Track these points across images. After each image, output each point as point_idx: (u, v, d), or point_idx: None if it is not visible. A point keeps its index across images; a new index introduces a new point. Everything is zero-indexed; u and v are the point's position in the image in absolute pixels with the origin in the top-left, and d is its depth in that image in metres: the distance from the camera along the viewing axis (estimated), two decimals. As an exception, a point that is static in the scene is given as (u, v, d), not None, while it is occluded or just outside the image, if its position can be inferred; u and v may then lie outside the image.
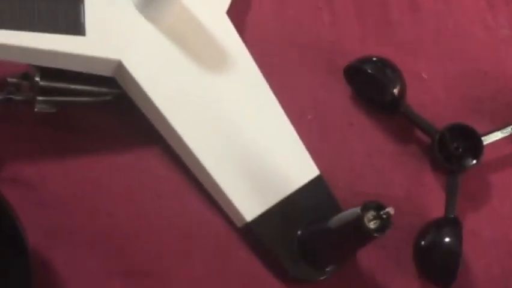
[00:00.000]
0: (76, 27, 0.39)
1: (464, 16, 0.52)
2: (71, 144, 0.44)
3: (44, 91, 0.43)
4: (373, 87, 0.46)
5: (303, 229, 0.42)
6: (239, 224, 0.42)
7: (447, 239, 0.43)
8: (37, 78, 0.41)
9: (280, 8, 0.50)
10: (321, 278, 0.42)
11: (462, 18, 0.52)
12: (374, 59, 0.46)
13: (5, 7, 0.37)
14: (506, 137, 0.46)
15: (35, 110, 0.43)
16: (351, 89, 0.48)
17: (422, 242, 0.44)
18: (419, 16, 0.52)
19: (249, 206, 0.42)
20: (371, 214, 0.37)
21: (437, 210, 0.45)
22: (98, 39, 0.39)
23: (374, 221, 0.36)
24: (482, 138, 0.45)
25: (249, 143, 0.43)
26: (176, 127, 0.41)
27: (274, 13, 0.50)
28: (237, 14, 0.47)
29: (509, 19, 0.52)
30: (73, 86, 0.43)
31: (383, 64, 0.45)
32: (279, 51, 0.49)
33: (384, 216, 0.36)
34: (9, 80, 0.42)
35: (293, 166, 0.44)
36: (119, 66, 0.40)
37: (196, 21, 0.43)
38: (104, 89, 0.44)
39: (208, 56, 0.43)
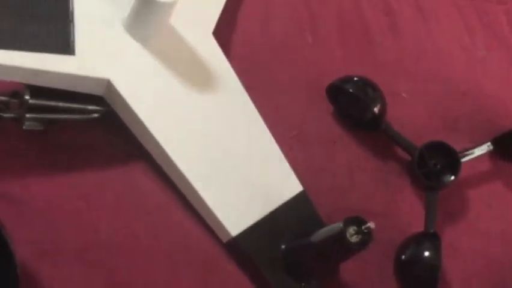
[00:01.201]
0: (65, 46, 0.39)
1: (442, 38, 0.54)
2: (59, 161, 0.45)
3: (33, 109, 0.43)
4: (354, 105, 0.47)
5: (287, 243, 0.43)
6: (224, 239, 0.43)
7: (427, 253, 0.44)
8: (27, 97, 0.42)
9: (265, 28, 0.52)
10: (305, 291, 0.44)
11: (441, 40, 0.54)
12: (355, 78, 0.47)
13: (-4, 27, 0.38)
14: (483, 154, 0.48)
15: (24, 127, 0.44)
16: (334, 107, 0.49)
17: (403, 256, 0.45)
18: (399, 38, 0.53)
19: (234, 221, 0.42)
20: (352, 229, 0.38)
21: (417, 225, 0.46)
22: (88, 59, 0.40)
23: (356, 236, 0.38)
24: (460, 155, 0.47)
25: (234, 160, 0.44)
26: (163, 144, 0.42)
27: (260, 33, 0.51)
28: (224, 33, 0.48)
29: (486, 41, 0.54)
30: (61, 104, 0.43)
31: (364, 83, 0.47)
32: (264, 69, 0.50)
33: (365, 230, 0.38)
34: (-1, 98, 0.43)
35: (277, 182, 0.45)
36: (108, 85, 0.41)
37: (182, 41, 0.44)
38: (91, 107, 0.45)
39: (194, 75, 0.44)
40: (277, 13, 0.52)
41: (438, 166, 0.46)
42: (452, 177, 0.46)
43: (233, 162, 0.44)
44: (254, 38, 0.51)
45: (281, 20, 0.52)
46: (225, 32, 0.49)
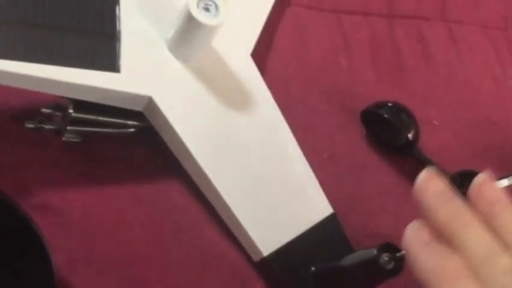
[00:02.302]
0: (112, 64, 0.41)
1: (474, 67, 0.55)
2: (96, 173, 0.46)
3: (74, 121, 0.45)
4: (388, 130, 0.48)
5: (316, 265, 0.44)
6: (256, 258, 0.44)
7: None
8: (70, 111, 0.43)
9: (301, 51, 0.53)
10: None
11: (472, 69, 0.55)
12: (390, 104, 0.48)
13: (44, 42, 0.39)
14: (512, 184, 0.48)
15: (63, 139, 0.45)
16: (366, 131, 0.50)
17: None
18: (431, 65, 0.54)
19: (266, 240, 0.43)
20: (386, 255, 0.38)
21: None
22: (132, 77, 0.41)
23: (389, 262, 0.38)
24: (490, 185, 0.47)
25: (268, 179, 0.45)
26: (200, 161, 0.43)
27: (295, 55, 0.52)
28: (261, 55, 0.49)
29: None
30: (101, 118, 0.45)
31: (398, 109, 0.48)
32: (298, 91, 0.51)
33: (399, 257, 0.38)
34: (43, 110, 0.44)
35: (309, 203, 0.46)
36: (150, 101, 0.42)
37: (222, 62, 0.45)
38: (130, 122, 0.46)
39: (232, 95, 0.45)
40: (312, 36, 0.53)
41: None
42: (482, 207, 0.46)
43: (267, 181, 0.45)
44: (289, 60, 0.52)
45: (316, 43, 0.53)
46: (262, 53, 0.50)
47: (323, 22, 0.54)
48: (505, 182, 0.49)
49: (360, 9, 0.55)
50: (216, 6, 0.41)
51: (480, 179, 0.36)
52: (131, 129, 0.46)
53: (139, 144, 0.47)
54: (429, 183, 0.36)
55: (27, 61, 0.38)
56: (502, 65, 0.55)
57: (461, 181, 0.48)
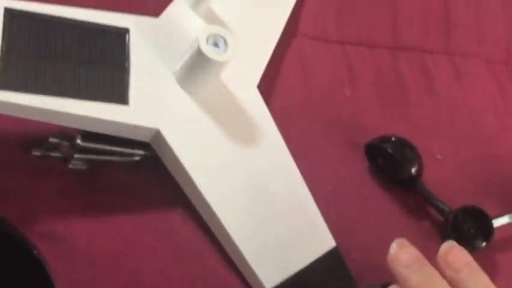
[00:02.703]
0: (121, 97, 0.41)
1: (477, 100, 0.55)
2: (100, 201, 0.46)
3: (81, 150, 0.45)
4: (391, 165, 0.49)
5: (318, 299, 0.44)
6: (258, 291, 0.44)
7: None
8: (78, 141, 0.43)
9: (306, 82, 0.53)
10: None
11: (475, 102, 0.55)
12: (393, 139, 0.48)
13: (55, 75, 0.40)
14: (515, 220, 0.49)
15: (69, 166, 0.46)
16: (370, 164, 0.50)
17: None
18: (435, 98, 0.55)
19: (269, 274, 0.43)
20: (389, 293, 0.39)
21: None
22: (140, 109, 0.42)
23: (392, 299, 0.39)
24: (493, 221, 0.47)
25: (271, 212, 0.45)
26: (204, 193, 0.43)
27: (301, 86, 0.53)
28: (267, 86, 0.50)
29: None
30: (108, 147, 0.45)
31: (402, 144, 0.48)
32: (303, 123, 0.51)
33: (401, 296, 0.38)
34: (51, 139, 0.44)
35: (311, 237, 0.46)
36: (157, 133, 0.43)
37: (229, 94, 0.46)
38: (137, 151, 0.46)
39: (238, 127, 0.46)
40: (317, 67, 0.54)
41: (472, 231, 0.47)
42: (484, 243, 0.47)
43: (270, 214, 0.45)
44: (295, 91, 0.52)
45: (321, 74, 0.54)
46: (268, 84, 0.50)
47: (328, 53, 0.54)
48: (505, 219, 0.50)
49: (366, 40, 0.55)
50: (225, 42, 0.41)
51: (446, 246, 0.40)
52: (137, 158, 0.47)
53: (143, 172, 0.47)
54: (401, 252, 0.40)
55: (38, 94, 0.38)
56: (504, 99, 0.56)
57: (464, 217, 0.48)
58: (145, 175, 0.47)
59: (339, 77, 0.54)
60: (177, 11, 0.46)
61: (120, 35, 0.43)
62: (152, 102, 0.42)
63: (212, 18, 0.47)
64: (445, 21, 0.59)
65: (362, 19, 0.57)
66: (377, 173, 0.50)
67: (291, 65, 0.53)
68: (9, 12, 0.39)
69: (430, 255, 0.48)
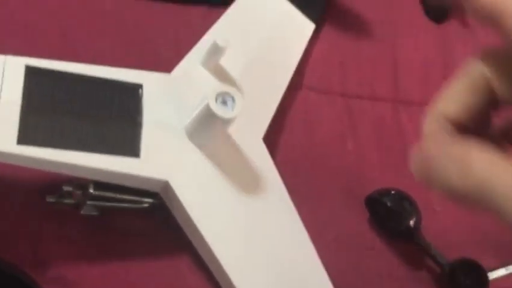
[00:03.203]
0: (132, 150, 0.43)
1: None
2: (110, 246, 0.48)
3: (93, 197, 0.47)
4: (391, 217, 0.51)
5: None
6: None
7: None
8: (91, 190, 0.45)
9: (309, 134, 0.55)
10: None
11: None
12: (393, 192, 0.50)
13: (70, 129, 0.42)
14: (509, 274, 0.50)
15: (81, 212, 0.48)
16: (370, 215, 0.52)
17: None
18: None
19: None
20: None
21: None
22: (150, 161, 0.44)
23: None
24: (489, 274, 0.49)
25: (273, 261, 0.47)
26: (209, 243, 0.45)
27: (304, 138, 0.55)
28: (271, 137, 0.52)
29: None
30: (119, 195, 0.47)
31: (401, 197, 0.50)
32: (306, 173, 0.53)
33: None
34: (65, 188, 0.46)
35: (312, 285, 0.47)
36: (166, 185, 0.45)
37: (235, 147, 0.48)
38: (146, 199, 0.48)
39: (244, 178, 0.48)
40: (321, 119, 0.56)
41: (468, 282, 0.49)
42: (481, 296, 0.48)
43: (273, 263, 0.47)
44: (298, 143, 0.54)
45: (324, 126, 0.56)
46: (273, 136, 0.52)
47: (331, 106, 0.56)
48: (501, 271, 0.51)
49: (368, 94, 0.58)
50: (233, 100, 0.43)
51: None
52: (145, 205, 0.49)
53: (152, 219, 0.49)
54: None
55: (55, 148, 0.40)
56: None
57: (461, 269, 0.50)
58: (154, 221, 0.49)
59: (342, 129, 0.56)
60: (188, 67, 0.49)
61: (134, 90, 0.45)
62: (162, 155, 0.44)
63: (221, 73, 0.50)
64: (445, 76, 0.61)
65: (364, 72, 0.59)
66: (377, 224, 0.52)
67: (296, 116, 0.56)
68: (29, 70, 0.42)
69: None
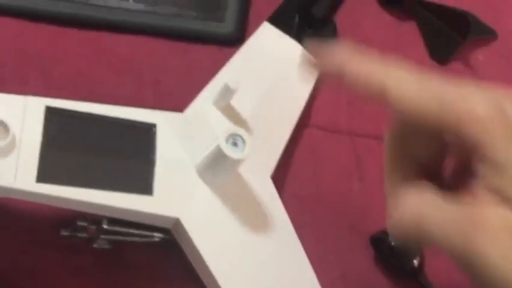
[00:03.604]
0: (145, 188, 0.45)
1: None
2: (121, 279, 0.49)
3: (106, 232, 0.49)
4: (395, 256, 0.51)
5: None
6: None
7: None
8: (105, 226, 0.47)
9: (316, 172, 0.56)
10: None
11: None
12: (398, 231, 0.51)
13: (86, 168, 0.44)
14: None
15: (94, 245, 0.49)
16: (375, 254, 0.53)
17: None
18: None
19: None
20: None
21: None
22: (163, 199, 0.45)
23: None
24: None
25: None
26: (219, 279, 0.46)
27: (311, 176, 0.56)
28: (279, 175, 0.53)
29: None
30: (131, 230, 0.49)
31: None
32: (312, 211, 0.54)
33: None
34: (79, 223, 0.48)
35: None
36: (177, 222, 0.46)
37: (245, 185, 0.49)
38: (156, 234, 0.50)
39: (252, 215, 0.49)
40: (327, 157, 0.57)
41: (470, 323, 0.50)
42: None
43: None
44: (306, 181, 0.56)
45: (330, 164, 0.57)
46: (280, 173, 0.54)
47: (338, 144, 0.58)
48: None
49: (374, 133, 0.59)
50: (243, 141, 0.45)
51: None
52: (156, 239, 0.50)
53: (162, 253, 0.50)
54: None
55: (72, 186, 0.42)
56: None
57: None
58: (163, 255, 0.50)
59: (348, 168, 0.57)
60: (200, 107, 0.51)
61: (148, 129, 0.47)
62: (174, 193, 0.46)
63: (231, 112, 0.52)
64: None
65: (370, 112, 0.60)
66: (382, 262, 0.53)
67: (303, 154, 0.57)
68: (49, 110, 0.44)
69: None
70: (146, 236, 0.50)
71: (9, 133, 0.41)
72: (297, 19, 0.60)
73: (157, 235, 0.50)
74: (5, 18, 0.58)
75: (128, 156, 0.45)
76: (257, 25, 0.60)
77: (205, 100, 0.52)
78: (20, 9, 0.58)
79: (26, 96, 0.44)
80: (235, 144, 0.45)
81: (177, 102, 0.52)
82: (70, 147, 0.44)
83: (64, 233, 0.49)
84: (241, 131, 0.45)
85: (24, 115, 0.43)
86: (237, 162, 0.45)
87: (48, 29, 0.58)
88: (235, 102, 0.52)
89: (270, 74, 0.57)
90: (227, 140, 0.44)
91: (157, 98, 0.56)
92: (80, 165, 0.43)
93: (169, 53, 0.59)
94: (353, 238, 0.54)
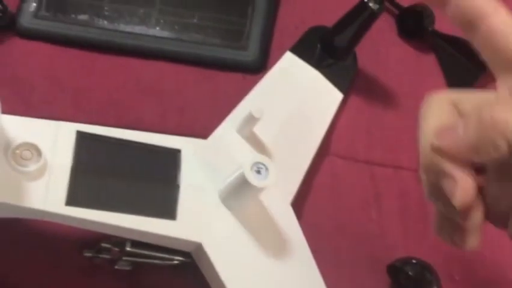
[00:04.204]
0: (169, 212, 0.46)
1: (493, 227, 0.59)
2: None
3: (129, 254, 0.50)
4: (412, 286, 0.52)
5: None
6: None
7: None
8: (128, 248, 0.48)
9: (335, 200, 0.58)
10: None
11: (492, 229, 0.58)
12: (414, 261, 0.52)
13: (114, 192, 0.45)
14: None
15: (116, 267, 0.50)
16: (392, 282, 0.54)
17: None
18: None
19: None
20: None
21: None
22: (186, 224, 0.46)
23: None
24: None
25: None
26: (238, 303, 0.47)
27: (330, 205, 0.57)
28: (299, 202, 0.54)
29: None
30: (153, 253, 0.50)
31: (422, 267, 0.52)
32: (331, 238, 0.55)
33: None
34: (103, 245, 0.49)
35: None
36: (199, 246, 0.47)
37: (266, 212, 0.50)
38: (178, 257, 0.51)
39: (272, 241, 0.50)
40: (346, 186, 0.58)
41: None
42: None
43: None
44: (325, 209, 0.57)
45: (349, 193, 0.58)
46: (300, 201, 0.55)
47: (356, 173, 0.59)
48: None
49: (392, 162, 0.60)
50: (267, 169, 0.46)
51: None
52: (175, 262, 0.51)
53: (181, 276, 0.51)
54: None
55: (99, 209, 0.43)
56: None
57: None
58: (182, 278, 0.52)
59: (366, 196, 0.58)
60: (224, 134, 0.52)
61: (173, 155, 0.48)
62: (197, 218, 0.47)
63: (254, 140, 0.53)
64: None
65: (389, 141, 0.61)
66: (399, 291, 0.54)
67: (322, 182, 0.58)
68: (80, 135, 0.45)
69: None
70: (167, 259, 0.51)
71: (42, 157, 0.42)
72: (318, 49, 0.62)
73: (177, 258, 0.51)
74: (39, 43, 0.60)
75: (154, 181, 0.47)
76: (280, 54, 0.62)
77: (228, 127, 0.53)
78: (53, 35, 0.60)
79: (58, 121, 0.45)
80: (258, 172, 0.46)
81: (201, 128, 0.53)
82: (98, 171, 0.45)
83: (87, 253, 0.50)
84: (265, 159, 0.46)
85: (56, 139, 0.44)
86: (259, 190, 0.46)
87: (79, 54, 0.60)
88: (258, 129, 0.54)
89: (291, 102, 0.58)
90: (251, 168, 0.45)
91: (182, 123, 0.58)
92: (108, 189, 0.45)
93: (194, 80, 0.61)
94: (370, 266, 0.55)
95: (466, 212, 0.34)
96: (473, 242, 0.37)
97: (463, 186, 0.33)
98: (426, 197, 0.36)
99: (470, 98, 0.35)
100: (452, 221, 0.35)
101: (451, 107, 0.35)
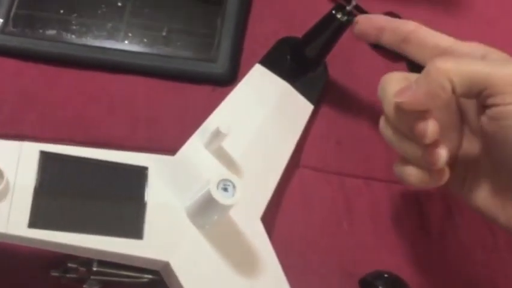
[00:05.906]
0: (136, 231, 0.45)
1: (466, 237, 0.59)
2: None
3: (96, 273, 0.49)
4: (383, 299, 0.52)
5: None
6: None
7: None
8: (95, 268, 0.47)
9: (306, 213, 0.57)
10: None
11: (465, 239, 0.59)
12: (386, 275, 0.52)
13: (78, 213, 0.44)
14: None
15: (84, 286, 0.50)
16: (364, 296, 0.54)
17: None
18: (428, 236, 0.58)
19: None
20: None
21: None
22: (153, 243, 0.46)
23: None
24: None
25: None
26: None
27: (301, 217, 0.57)
28: (268, 216, 0.54)
29: (508, 244, 0.59)
30: (121, 272, 0.50)
31: (394, 281, 0.52)
32: (300, 252, 0.55)
33: None
34: (70, 265, 0.48)
35: None
36: (167, 265, 0.46)
37: (234, 227, 0.50)
38: (145, 275, 0.51)
39: (241, 257, 0.50)
40: (317, 198, 0.58)
41: None
42: None
43: None
44: (295, 222, 0.56)
45: (320, 205, 0.58)
46: (269, 215, 0.54)
47: (327, 185, 0.59)
48: None
49: (363, 173, 0.60)
50: (234, 186, 0.46)
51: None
52: (145, 280, 0.51)
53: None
54: None
55: (63, 231, 0.42)
56: (494, 236, 0.59)
57: None
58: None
59: (337, 209, 0.58)
60: (191, 149, 0.52)
61: (140, 173, 0.48)
62: (164, 236, 0.46)
63: (223, 155, 0.52)
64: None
65: (359, 152, 0.61)
66: (370, 305, 0.54)
67: (292, 195, 0.58)
68: (43, 155, 0.44)
69: None
70: (136, 277, 0.51)
71: (3, 179, 0.42)
72: (288, 60, 0.62)
73: (146, 276, 0.51)
74: (6, 59, 0.60)
75: (120, 200, 0.46)
76: (251, 65, 0.61)
77: (196, 142, 0.52)
78: (21, 50, 0.59)
79: (21, 141, 0.45)
80: (225, 189, 0.45)
81: (171, 142, 0.52)
82: (62, 192, 0.44)
83: (54, 273, 0.50)
84: (232, 177, 0.46)
85: (18, 160, 0.43)
86: (227, 207, 0.46)
87: (47, 69, 0.60)
88: (227, 143, 0.53)
89: (261, 115, 0.58)
90: (218, 186, 0.45)
91: (151, 138, 0.57)
92: (72, 210, 0.44)
93: (163, 93, 0.60)
94: (342, 280, 0.54)
95: (433, 148, 0.44)
96: (438, 179, 0.47)
97: (431, 124, 0.43)
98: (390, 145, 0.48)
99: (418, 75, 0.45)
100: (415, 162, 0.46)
101: (404, 79, 0.46)
